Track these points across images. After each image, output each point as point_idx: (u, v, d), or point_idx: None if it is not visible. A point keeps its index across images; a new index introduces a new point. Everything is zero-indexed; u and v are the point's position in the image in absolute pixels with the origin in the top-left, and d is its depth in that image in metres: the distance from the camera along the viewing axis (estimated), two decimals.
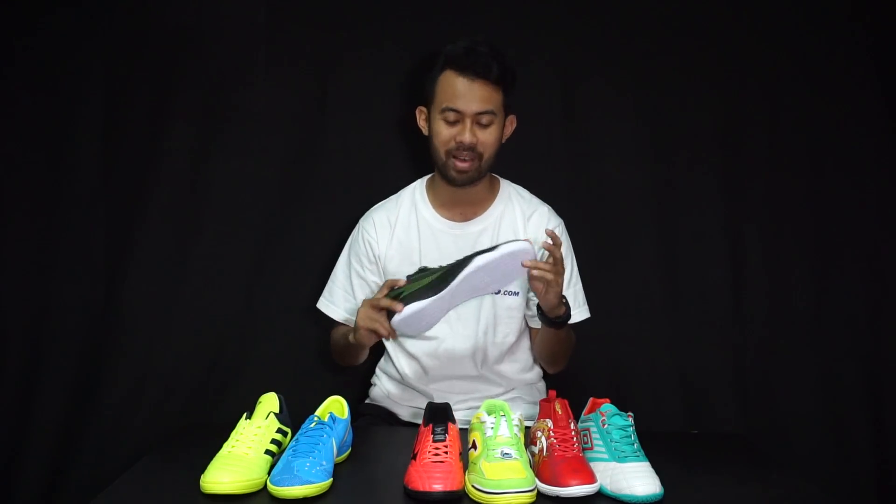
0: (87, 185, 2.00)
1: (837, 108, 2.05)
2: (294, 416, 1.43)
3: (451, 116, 1.65)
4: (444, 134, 1.67)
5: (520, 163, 1.90)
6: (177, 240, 2.02)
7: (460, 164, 1.67)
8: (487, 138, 1.67)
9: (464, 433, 1.44)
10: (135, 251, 2.00)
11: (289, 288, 2.03)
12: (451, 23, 2.02)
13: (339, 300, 1.82)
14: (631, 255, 2.07)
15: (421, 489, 1.23)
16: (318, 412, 1.42)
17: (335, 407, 1.46)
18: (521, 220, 1.78)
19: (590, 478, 1.26)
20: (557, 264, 1.52)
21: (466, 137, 1.65)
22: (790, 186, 2.06)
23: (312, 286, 1.98)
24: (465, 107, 1.64)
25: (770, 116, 2.06)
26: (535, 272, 1.50)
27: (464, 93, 1.64)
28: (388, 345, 1.82)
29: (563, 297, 1.61)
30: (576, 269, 1.82)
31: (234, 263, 2.03)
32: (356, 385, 1.98)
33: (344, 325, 1.81)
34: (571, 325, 1.75)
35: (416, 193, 1.83)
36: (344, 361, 1.83)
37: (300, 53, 2.04)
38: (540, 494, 1.25)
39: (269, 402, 1.42)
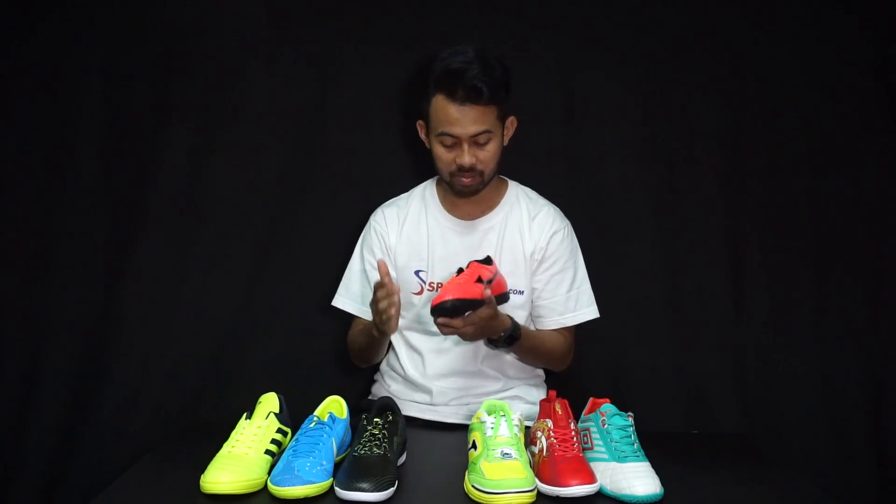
0: (87, 184, 2.00)
1: (838, 108, 2.05)
2: (294, 416, 1.43)
3: (448, 141, 1.67)
4: (444, 157, 1.70)
5: (520, 162, 1.90)
6: (177, 239, 2.02)
7: (464, 181, 1.70)
8: (486, 156, 1.69)
9: (463, 430, 1.43)
10: (135, 251, 2.00)
11: (289, 288, 2.03)
12: (452, 23, 2.02)
13: (357, 295, 1.82)
14: (631, 255, 2.07)
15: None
16: (317, 412, 1.42)
17: (334, 407, 1.46)
18: (526, 221, 1.80)
19: (590, 478, 1.26)
20: (460, 332, 1.56)
21: (466, 160, 1.67)
22: (790, 186, 2.06)
23: (312, 286, 1.99)
24: (460, 131, 1.65)
25: (770, 116, 2.06)
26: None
27: (457, 118, 1.64)
28: (394, 340, 1.83)
29: (502, 332, 1.64)
30: (582, 269, 1.82)
31: (233, 263, 2.03)
32: (356, 385, 1.98)
33: (362, 319, 1.81)
34: (577, 325, 1.80)
35: (426, 191, 1.85)
36: (363, 359, 1.84)
37: (300, 53, 2.04)
38: (540, 494, 1.25)
39: (269, 402, 1.42)
